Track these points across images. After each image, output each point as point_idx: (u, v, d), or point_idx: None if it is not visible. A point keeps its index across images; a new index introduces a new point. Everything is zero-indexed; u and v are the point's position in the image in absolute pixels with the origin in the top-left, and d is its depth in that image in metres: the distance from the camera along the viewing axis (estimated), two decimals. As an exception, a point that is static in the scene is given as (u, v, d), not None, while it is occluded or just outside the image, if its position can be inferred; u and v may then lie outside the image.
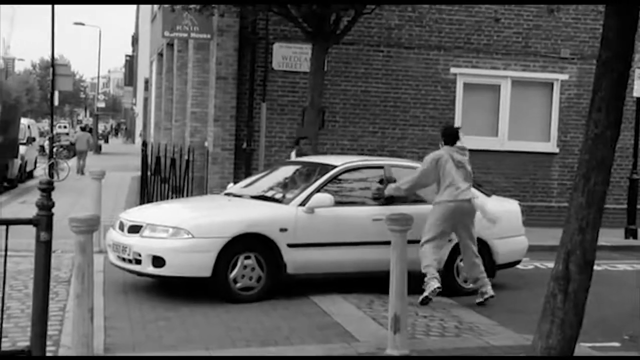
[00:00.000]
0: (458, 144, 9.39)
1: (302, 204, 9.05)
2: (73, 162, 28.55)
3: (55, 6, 25.62)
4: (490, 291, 9.31)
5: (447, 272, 9.81)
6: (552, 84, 17.49)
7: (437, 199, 9.16)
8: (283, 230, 8.78)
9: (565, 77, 17.44)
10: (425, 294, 8.80)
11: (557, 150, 17.52)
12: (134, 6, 57.21)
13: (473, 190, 10.45)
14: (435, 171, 9.16)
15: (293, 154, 12.99)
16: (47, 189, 5.51)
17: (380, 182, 9.71)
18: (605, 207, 5.90)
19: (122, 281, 9.29)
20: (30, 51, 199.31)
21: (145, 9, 38.63)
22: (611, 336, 8.13)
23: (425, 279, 8.88)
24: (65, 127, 64.92)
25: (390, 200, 9.49)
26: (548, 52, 17.34)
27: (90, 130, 36.75)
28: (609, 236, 14.39)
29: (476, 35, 17.02)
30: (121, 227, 9.06)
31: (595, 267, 5.82)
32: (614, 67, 5.62)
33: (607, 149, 5.67)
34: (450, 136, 9.43)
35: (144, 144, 17.89)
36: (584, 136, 5.76)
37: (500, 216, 9.81)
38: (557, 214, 16.89)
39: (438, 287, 8.80)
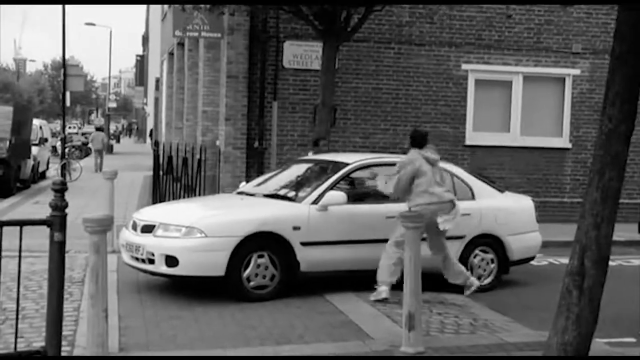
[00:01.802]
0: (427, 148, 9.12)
1: (315, 202, 9.04)
2: (85, 162, 28.66)
3: (66, 7, 25.71)
4: (475, 282, 9.24)
5: (461, 269, 9.80)
6: (564, 79, 17.42)
7: (415, 202, 8.83)
8: (296, 228, 8.78)
9: (577, 72, 17.36)
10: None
11: (569, 145, 17.45)
12: (144, 6, 57.34)
13: (486, 187, 10.45)
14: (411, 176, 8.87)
15: (311, 154, 12.95)
16: (61, 189, 5.53)
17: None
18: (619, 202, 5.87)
19: (136, 281, 9.31)
20: (41, 52, 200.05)
21: (156, 8, 38.69)
22: (626, 332, 8.10)
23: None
24: (75, 127, 65.30)
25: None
26: (560, 47, 17.26)
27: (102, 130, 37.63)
28: (623, 231, 14.28)
29: (487, 31, 16.96)
30: (134, 227, 9.07)
31: (610, 263, 5.78)
32: (628, 61, 5.57)
33: (621, 144, 5.62)
34: (418, 138, 9.10)
35: (156, 144, 17.92)
36: (598, 131, 5.72)
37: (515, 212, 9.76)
38: (570, 209, 16.84)
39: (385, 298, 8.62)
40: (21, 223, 5.62)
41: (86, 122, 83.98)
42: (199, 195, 13.91)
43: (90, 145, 31.32)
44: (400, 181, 8.86)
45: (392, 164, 9.84)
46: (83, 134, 48.40)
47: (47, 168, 27.40)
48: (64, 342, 5.84)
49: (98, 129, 34.60)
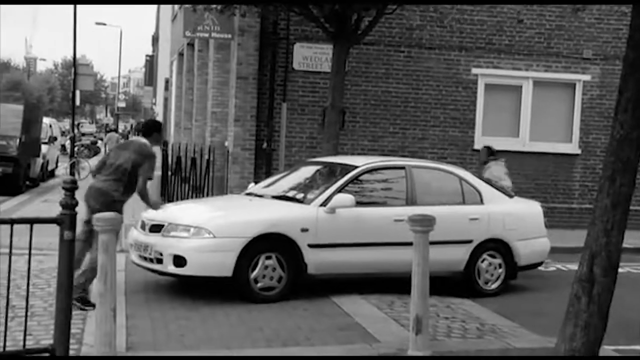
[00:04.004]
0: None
1: (324, 204, 9.04)
2: (93, 161, 28.70)
3: (77, 7, 25.76)
4: None
5: (468, 274, 9.79)
6: (574, 85, 17.37)
7: None
8: (304, 230, 8.77)
9: (587, 77, 17.31)
10: None
11: (579, 151, 17.40)
12: (155, 6, 57.41)
13: (495, 192, 10.47)
14: None
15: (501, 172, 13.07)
16: (71, 188, 5.54)
17: None
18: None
19: (144, 280, 9.32)
20: (52, 51, 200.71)
21: (166, 9, 38.73)
22: (634, 339, 8.07)
23: None
24: (83, 126, 65.45)
25: None
26: (570, 52, 17.22)
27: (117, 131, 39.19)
28: (632, 238, 14.20)
29: (498, 35, 16.94)
30: (143, 227, 9.09)
31: (619, 270, 5.76)
32: (640, 67, 5.56)
33: (632, 150, 5.61)
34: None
35: (165, 144, 17.95)
36: (610, 137, 5.71)
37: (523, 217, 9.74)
38: (579, 215, 16.79)
39: None
40: (31, 221, 5.63)
41: (94, 121, 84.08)
42: (207, 195, 13.92)
43: (106, 144, 33.49)
44: None
45: (401, 167, 9.86)
46: (83, 134, 48.46)
47: (56, 166, 27.48)
48: (72, 340, 5.85)
49: (112, 130, 36.84)
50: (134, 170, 8.20)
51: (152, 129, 8.72)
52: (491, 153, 12.84)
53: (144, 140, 8.51)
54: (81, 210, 6.19)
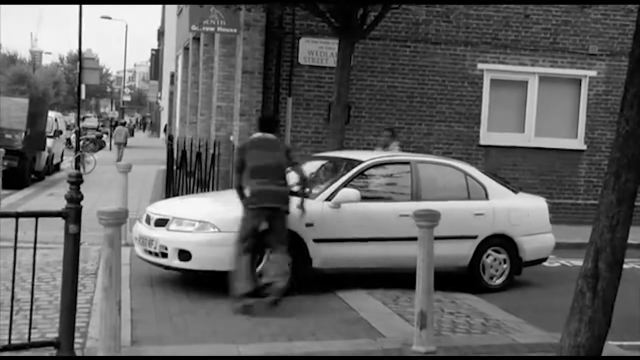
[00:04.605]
0: None
1: (329, 199, 9.04)
2: (99, 155, 28.81)
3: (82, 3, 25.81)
4: None
5: (473, 269, 9.80)
6: (580, 81, 17.34)
7: None
8: (309, 225, 8.78)
9: (593, 73, 17.28)
10: None
11: (584, 147, 17.37)
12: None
13: (500, 187, 10.46)
14: None
15: (395, 146, 13.29)
16: (77, 181, 5.55)
17: None
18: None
19: (149, 274, 9.34)
20: (57, 45, 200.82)
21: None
22: (639, 335, 8.06)
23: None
24: (89, 118, 65.26)
25: None
26: (576, 48, 17.18)
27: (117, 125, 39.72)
28: (637, 234, 14.20)
29: (504, 30, 16.91)
30: (148, 221, 9.10)
31: (623, 266, 5.76)
32: (647, 63, 5.54)
33: (638, 146, 5.58)
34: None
35: (170, 138, 17.96)
36: (615, 133, 5.69)
37: (528, 213, 9.74)
38: (584, 211, 16.78)
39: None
40: (37, 215, 5.65)
41: (98, 114, 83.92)
42: (213, 190, 13.93)
43: (114, 138, 34.48)
44: None
45: (407, 162, 9.86)
46: (84, 128, 48.49)
47: (62, 160, 27.51)
48: (76, 334, 5.88)
49: (122, 124, 38.09)
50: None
51: (274, 125, 8.61)
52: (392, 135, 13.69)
53: (274, 136, 8.39)
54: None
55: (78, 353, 5.90)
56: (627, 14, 16.68)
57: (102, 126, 60.33)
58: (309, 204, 8.97)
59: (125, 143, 33.15)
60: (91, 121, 64.53)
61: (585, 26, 17.16)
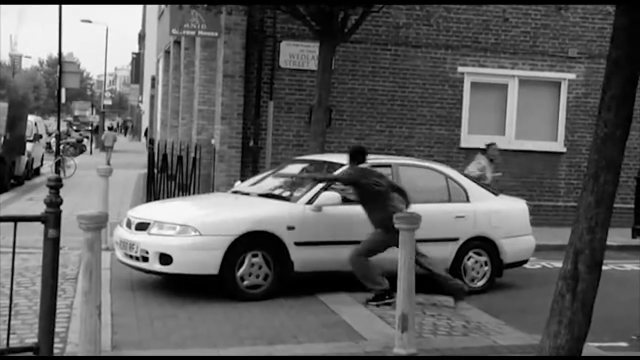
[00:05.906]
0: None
1: (310, 202, 9.04)
2: (79, 159, 28.66)
3: (63, 5, 25.67)
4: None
5: (454, 271, 9.82)
6: (559, 83, 17.45)
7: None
8: (290, 228, 8.78)
9: (572, 76, 17.39)
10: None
11: (564, 149, 17.48)
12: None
13: (481, 190, 10.50)
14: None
15: (483, 160, 13.48)
16: (56, 185, 5.50)
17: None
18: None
19: (129, 278, 9.30)
20: (37, 48, 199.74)
21: (153, 6, 38.62)
22: (619, 336, 8.12)
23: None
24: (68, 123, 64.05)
25: None
26: (556, 51, 17.29)
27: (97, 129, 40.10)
28: (616, 236, 14.27)
29: (484, 34, 16.99)
30: (128, 225, 9.06)
31: (602, 267, 5.79)
32: (624, 66, 5.58)
33: (616, 148, 5.63)
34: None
35: (151, 142, 17.91)
36: (594, 136, 5.73)
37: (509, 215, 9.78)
38: (564, 213, 16.87)
39: None
40: (15, 219, 5.60)
41: (74, 118, 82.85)
42: (194, 193, 13.90)
43: (103, 141, 35.79)
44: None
45: (388, 166, 9.87)
46: (84, 123, 48.05)
47: (42, 165, 27.33)
48: (56, 339, 5.83)
49: (110, 128, 39.72)
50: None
51: (363, 156, 8.92)
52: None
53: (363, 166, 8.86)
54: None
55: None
56: (606, 16, 16.79)
57: (77, 131, 57.98)
58: (289, 207, 8.99)
59: (112, 147, 34.14)
60: (90, 117, 60.99)
61: (564, 29, 17.28)
